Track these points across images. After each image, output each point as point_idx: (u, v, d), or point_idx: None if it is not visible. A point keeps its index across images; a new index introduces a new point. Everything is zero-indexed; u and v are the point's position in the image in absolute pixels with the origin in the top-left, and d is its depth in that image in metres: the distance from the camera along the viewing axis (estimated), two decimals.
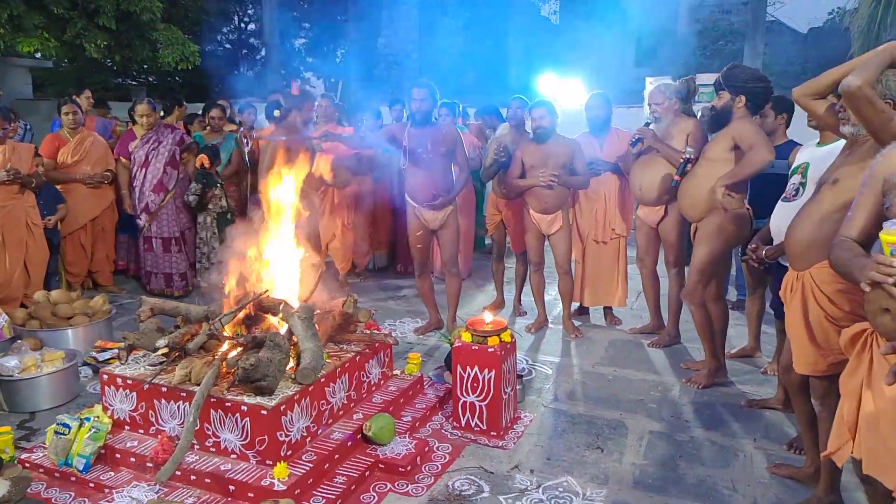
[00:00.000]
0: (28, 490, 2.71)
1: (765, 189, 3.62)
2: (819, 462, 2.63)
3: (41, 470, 2.86)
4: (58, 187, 5.25)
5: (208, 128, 6.13)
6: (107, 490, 2.68)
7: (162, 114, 6.14)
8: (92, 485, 2.75)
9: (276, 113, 6.30)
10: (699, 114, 4.16)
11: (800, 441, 3.05)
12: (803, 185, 2.98)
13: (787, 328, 2.57)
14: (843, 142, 2.80)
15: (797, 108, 3.63)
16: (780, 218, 3.05)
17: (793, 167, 3.15)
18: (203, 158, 5.44)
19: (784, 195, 3.09)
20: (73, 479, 2.78)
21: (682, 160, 3.76)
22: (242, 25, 18.20)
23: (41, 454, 2.92)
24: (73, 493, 2.72)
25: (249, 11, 17.46)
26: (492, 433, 3.15)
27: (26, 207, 4.71)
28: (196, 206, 5.49)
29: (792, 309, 2.50)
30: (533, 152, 4.44)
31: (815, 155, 3.01)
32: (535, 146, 4.45)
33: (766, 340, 4.23)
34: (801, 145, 3.61)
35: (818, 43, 15.99)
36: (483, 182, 6.57)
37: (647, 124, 4.13)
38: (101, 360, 3.97)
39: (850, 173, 2.33)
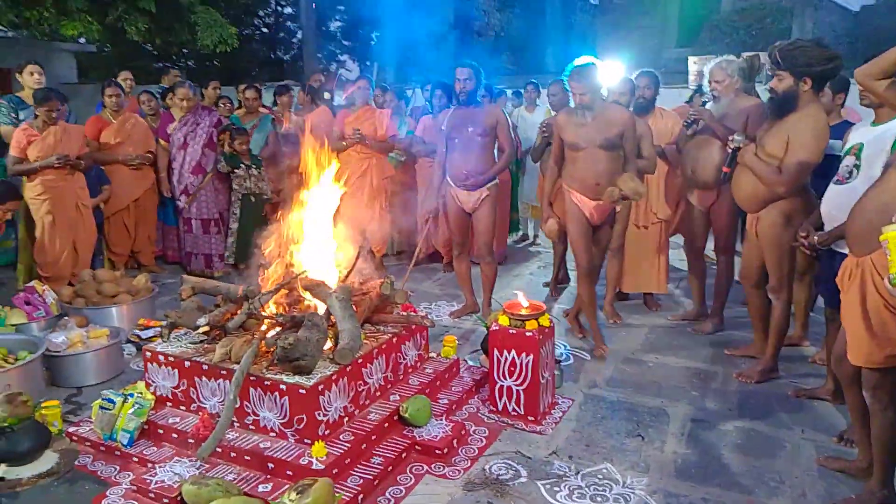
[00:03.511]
0: (75, 463, 2.79)
1: (818, 171, 3.45)
2: (871, 456, 2.53)
3: (88, 443, 2.93)
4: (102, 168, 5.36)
5: (243, 108, 6.16)
6: (150, 465, 2.73)
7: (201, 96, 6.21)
8: (136, 459, 2.81)
9: (326, 95, 6.35)
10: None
11: (850, 433, 2.94)
12: (857, 167, 2.84)
13: (842, 317, 2.46)
14: None
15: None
16: (833, 201, 2.92)
17: (846, 148, 3.00)
18: (224, 136, 5.55)
19: (836, 178, 2.94)
20: (117, 452, 2.85)
21: (730, 150, 3.58)
22: (279, 9, 18.26)
23: (88, 428, 3.00)
24: (118, 467, 2.78)
25: None
26: (529, 418, 3.12)
27: (76, 188, 4.81)
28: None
29: (849, 297, 2.39)
30: None
31: (869, 136, 2.86)
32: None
33: (814, 328, 4.09)
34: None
35: (870, 21, 15.28)
36: (519, 163, 6.53)
37: (704, 104, 3.98)
38: (143, 337, 4.05)
39: None
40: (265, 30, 18.35)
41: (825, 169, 3.39)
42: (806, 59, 3.15)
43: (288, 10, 18.31)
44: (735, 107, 3.83)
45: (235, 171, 5.52)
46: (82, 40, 11.82)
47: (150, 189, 5.73)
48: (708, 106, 3.91)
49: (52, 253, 4.70)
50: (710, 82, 3.91)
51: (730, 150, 3.57)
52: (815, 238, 2.99)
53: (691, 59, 9.60)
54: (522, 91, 7.23)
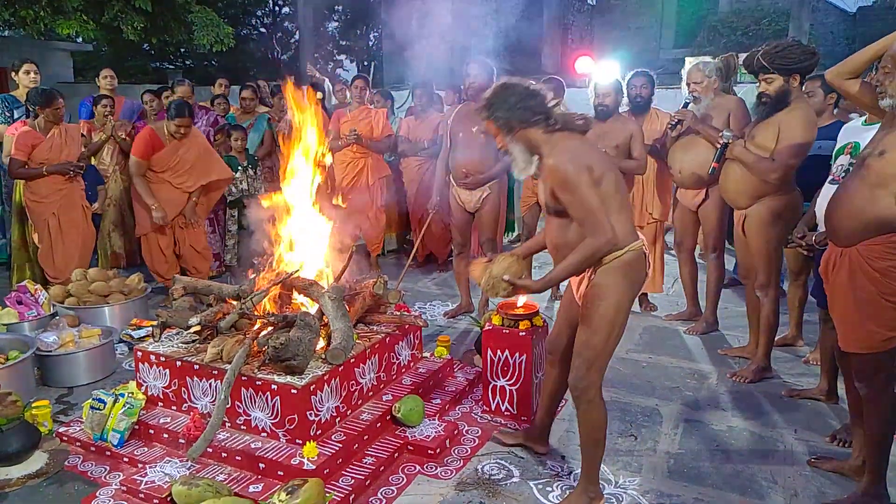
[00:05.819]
0: (65, 463, 2.78)
1: (808, 171, 3.45)
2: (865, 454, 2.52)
3: (78, 444, 2.92)
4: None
5: (240, 108, 6.16)
6: (140, 465, 2.72)
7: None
8: (126, 459, 2.79)
9: (319, 95, 6.32)
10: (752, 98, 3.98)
11: (843, 433, 2.94)
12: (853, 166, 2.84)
13: (830, 306, 2.46)
14: None
15: None
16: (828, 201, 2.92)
17: (838, 147, 3.01)
18: (221, 136, 5.54)
19: (831, 177, 2.95)
20: (108, 453, 2.84)
21: (719, 145, 3.59)
22: (277, 9, 18.25)
23: (78, 428, 2.98)
24: (108, 467, 2.77)
25: None
26: (522, 418, 3.11)
27: (79, 190, 4.77)
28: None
29: (837, 286, 2.39)
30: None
31: (865, 135, 2.86)
32: (593, 123, 4.29)
33: (808, 329, 4.09)
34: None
35: (867, 23, 15.30)
36: None
37: (686, 105, 3.99)
38: (136, 337, 4.04)
39: None
40: (263, 30, 18.33)
41: (815, 169, 3.40)
42: (794, 58, 3.27)
43: (286, 9, 18.30)
44: (716, 106, 3.89)
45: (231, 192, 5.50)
46: (79, 39, 11.79)
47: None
48: (689, 107, 3.93)
49: (61, 257, 4.64)
50: (688, 84, 3.95)
51: (719, 146, 3.58)
52: (813, 238, 2.99)
53: (688, 60, 9.59)
54: None
